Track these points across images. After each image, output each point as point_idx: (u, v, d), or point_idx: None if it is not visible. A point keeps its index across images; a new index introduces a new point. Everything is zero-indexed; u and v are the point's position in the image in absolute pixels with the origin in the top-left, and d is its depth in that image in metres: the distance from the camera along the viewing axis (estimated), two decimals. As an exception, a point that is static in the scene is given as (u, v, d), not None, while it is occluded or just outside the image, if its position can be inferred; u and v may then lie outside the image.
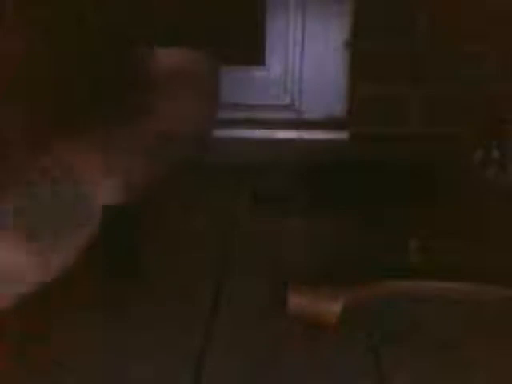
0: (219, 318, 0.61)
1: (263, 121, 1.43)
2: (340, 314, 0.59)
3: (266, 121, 1.43)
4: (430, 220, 0.87)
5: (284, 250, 0.78)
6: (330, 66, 1.43)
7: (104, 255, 0.70)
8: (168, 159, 0.68)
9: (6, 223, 0.52)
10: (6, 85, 0.75)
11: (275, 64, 1.45)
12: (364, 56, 1.40)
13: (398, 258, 0.73)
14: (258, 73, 1.45)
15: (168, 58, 0.83)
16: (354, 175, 1.08)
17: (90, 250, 0.70)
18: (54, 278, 0.55)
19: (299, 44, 1.43)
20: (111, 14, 0.83)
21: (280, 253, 0.77)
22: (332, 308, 0.59)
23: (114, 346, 0.55)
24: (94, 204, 0.60)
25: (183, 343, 0.56)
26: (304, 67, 1.44)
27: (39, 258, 0.53)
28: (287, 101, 1.47)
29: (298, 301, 0.60)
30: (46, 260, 0.54)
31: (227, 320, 0.61)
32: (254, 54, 1.43)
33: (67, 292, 0.64)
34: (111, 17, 0.82)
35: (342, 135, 1.40)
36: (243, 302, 0.64)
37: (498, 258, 0.75)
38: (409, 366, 0.54)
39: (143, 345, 0.56)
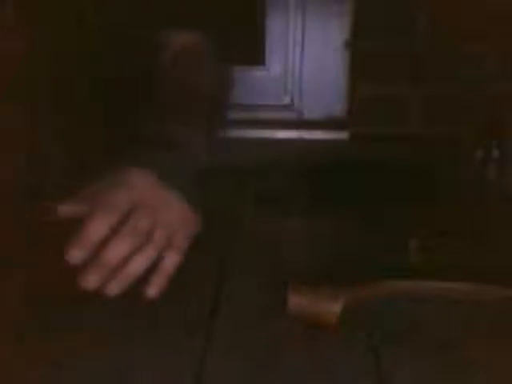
0: (219, 318, 0.61)
1: (263, 121, 1.43)
2: (340, 314, 0.59)
3: (266, 121, 1.43)
4: (430, 220, 0.87)
5: (284, 250, 0.78)
6: (330, 66, 1.43)
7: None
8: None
9: None
10: (6, 85, 0.75)
11: (275, 64, 1.45)
12: (364, 56, 1.40)
13: (397, 258, 0.74)
14: (258, 73, 1.45)
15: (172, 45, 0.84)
16: (354, 175, 1.08)
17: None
18: None
19: (299, 44, 1.43)
20: (111, 13, 0.83)
21: (280, 253, 0.77)
22: (332, 308, 0.59)
23: (112, 347, 0.55)
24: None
25: (183, 343, 0.56)
26: (304, 67, 1.45)
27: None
28: (287, 101, 1.47)
29: (298, 301, 0.60)
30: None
31: (227, 320, 0.61)
32: (254, 54, 1.43)
33: (68, 291, 0.64)
34: (111, 17, 0.82)
35: (342, 135, 1.40)
36: (243, 302, 0.64)
37: (498, 257, 0.75)
38: (409, 365, 0.54)
39: (143, 345, 0.56)
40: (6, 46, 0.75)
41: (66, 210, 0.66)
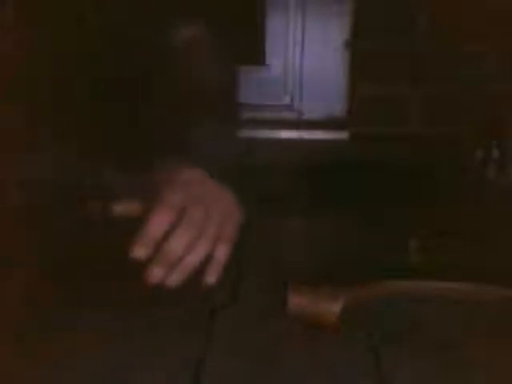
0: (219, 318, 0.61)
1: (263, 121, 1.43)
2: (340, 314, 0.59)
3: (266, 121, 1.43)
4: (430, 220, 0.87)
5: (284, 250, 0.78)
6: (330, 66, 1.43)
7: (105, 254, 0.70)
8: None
9: None
10: (6, 85, 0.75)
11: (275, 64, 1.45)
12: (364, 56, 1.40)
13: (397, 258, 0.74)
14: (258, 73, 1.45)
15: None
16: (354, 175, 1.08)
17: (93, 249, 0.71)
18: None
19: (299, 44, 1.43)
20: (111, 13, 0.83)
21: (280, 253, 0.77)
22: (332, 308, 0.59)
23: (112, 347, 0.55)
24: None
25: (183, 343, 0.56)
26: (304, 67, 1.45)
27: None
28: (287, 101, 1.47)
29: (298, 301, 0.60)
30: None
31: (227, 320, 0.61)
32: (254, 54, 1.43)
33: (68, 289, 0.64)
34: (111, 17, 0.82)
35: (342, 135, 1.40)
36: (243, 302, 0.64)
37: (498, 257, 0.75)
38: (409, 365, 0.54)
39: (143, 345, 0.56)
40: (6, 46, 0.75)
41: (119, 209, 0.72)
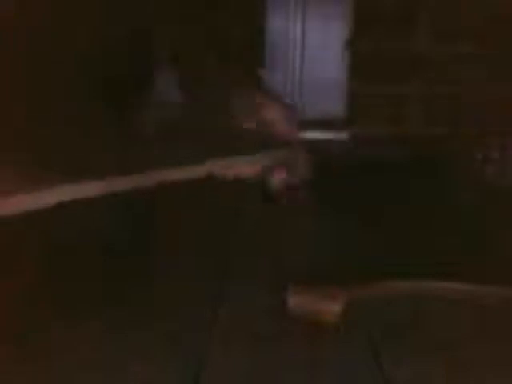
0: (219, 318, 0.61)
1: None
2: (340, 314, 0.59)
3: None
4: (430, 220, 0.87)
5: (284, 250, 0.78)
6: (330, 66, 1.43)
7: (104, 254, 0.70)
8: None
9: None
10: (5, 84, 0.75)
11: (276, 65, 1.45)
12: (364, 56, 1.40)
13: (397, 258, 0.74)
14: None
15: None
16: (354, 175, 1.08)
17: (92, 248, 0.71)
18: None
19: (299, 45, 1.43)
20: (112, 13, 0.83)
21: (280, 253, 0.77)
22: (332, 308, 0.59)
23: (113, 345, 0.55)
24: None
25: (183, 343, 0.56)
26: (304, 68, 1.45)
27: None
28: (287, 101, 1.46)
29: (298, 301, 0.60)
30: None
31: (227, 320, 0.61)
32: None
33: (68, 286, 0.64)
34: (112, 16, 0.82)
35: (342, 135, 1.40)
36: (244, 301, 0.64)
37: (498, 258, 0.75)
38: (409, 365, 0.54)
39: (143, 344, 0.56)
40: (6, 45, 0.75)
41: None
